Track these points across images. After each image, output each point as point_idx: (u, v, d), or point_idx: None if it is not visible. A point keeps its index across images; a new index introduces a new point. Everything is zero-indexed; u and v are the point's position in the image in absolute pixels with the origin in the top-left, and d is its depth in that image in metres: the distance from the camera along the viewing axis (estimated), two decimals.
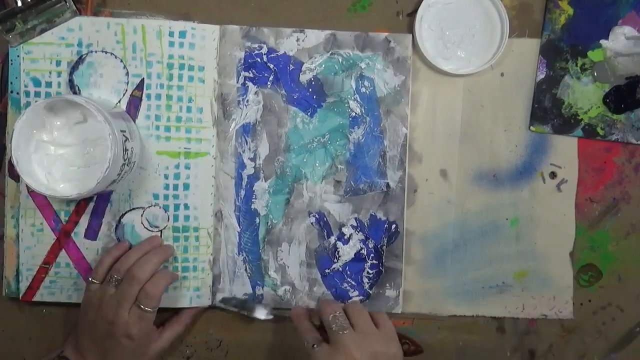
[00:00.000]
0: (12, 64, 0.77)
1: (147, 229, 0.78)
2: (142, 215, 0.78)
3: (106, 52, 0.77)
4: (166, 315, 0.78)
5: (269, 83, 0.80)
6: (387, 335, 0.72)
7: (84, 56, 0.77)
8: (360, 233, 0.81)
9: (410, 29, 0.80)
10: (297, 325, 0.75)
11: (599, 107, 0.81)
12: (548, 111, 0.81)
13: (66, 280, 0.78)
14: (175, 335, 0.78)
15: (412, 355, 0.77)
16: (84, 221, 0.78)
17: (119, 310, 0.70)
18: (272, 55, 0.80)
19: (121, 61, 0.77)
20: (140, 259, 0.73)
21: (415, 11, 0.79)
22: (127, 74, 0.77)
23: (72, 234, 0.78)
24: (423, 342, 0.82)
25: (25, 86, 0.76)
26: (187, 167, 0.78)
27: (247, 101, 0.80)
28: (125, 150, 0.71)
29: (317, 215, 0.81)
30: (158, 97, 0.77)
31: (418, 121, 0.81)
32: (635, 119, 0.81)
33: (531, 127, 0.81)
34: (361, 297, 0.81)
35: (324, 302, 0.75)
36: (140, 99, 0.77)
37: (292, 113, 0.80)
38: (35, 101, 0.76)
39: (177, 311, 0.79)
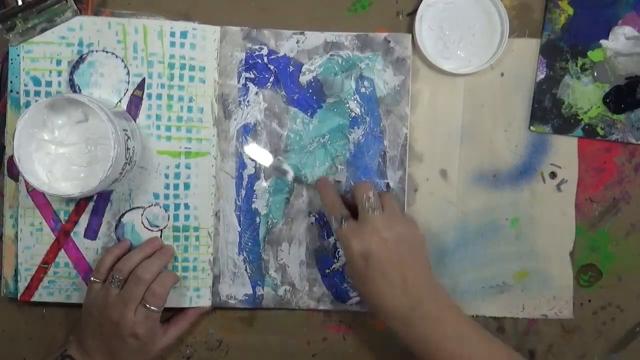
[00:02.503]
0: (12, 63, 0.77)
1: (147, 228, 0.78)
2: (142, 215, 0.78)
3: (107, 52, 0.77)
4: (166, 314, 0.78)
5: (269, 84, 0.80)
6: (411, 220, 0.75)
7: (84, 55, 0.77)
8: None
9: (410, 29, 0.80)
10: (324, 196, 0.75)
11: (599, 107, 0.81)
12: (548, 111, 0.81)
13: (65, 281, 0.78)
14: (180, 332, 0.78)
15: None
16: (83, 221, 0.78)
17: (125, 310, 0.70)
18: (273, 56, 0.80)
19: (122, 61, 0.77)
20: (144, 262, 0.73)
21: (415, 11, 0.79)
22: (128, 73, 0.77)
23: (72, 234, 0.78)
24: None
25: (25, 85, 0.76)
26: (187, 166, 0.78)
27: (248, 101, 0.80)
28: (127, 149, 0.70)
29: (317, 215, 0.81)
30: (159, 96, 0.77)
31: (418, 121, 0.81)
32: (635, 119, 0.81)
33: (531, 127, 0.81)
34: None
35: (359, 183, 0.74)
36: (141, 99, 0.77)
37: (292, 113, 0.80)
38: (35, 100, 0.76)
39: (177, 311, 0.79)
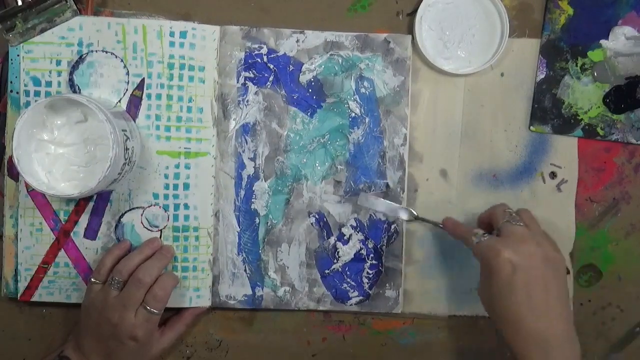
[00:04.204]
0: (12, 63, 0.77)
1: (146, 228, 0.78)
2: (141, 215, 0.78)
3: (107, 52, 0.77)
4: (164, 315, 0.78)
5: (268, 83, 0.80)
6: (555, 243, 0.72)
7: (84, 56, 0.76)
8: (360, 233, 0.81)
9: (410, 29, 0.80)
10: (455, 230, 0.76)
11: (599, 107, 0.81)
12: (548, 111, 0.81)
13: (65, 281, 0.78)
14: (177, 334, 0.78)
15: None
16: (83, 221, 0.78)
17: (125, 312, 0.70)
18: (272, 55, 0.80)
19: (122, 61, 0.77)
20: (144, 264, 0.73)
21: (415, 11, 0.79)
22: (128, 73, 0.77)
23: (72, 234, 0.78)
24: (423, 342, 0.82)
25: (25, 85, 0.76)
26: (187, 166, 0.78)
27: (247, 101, 0.80)
28: (126, 149, 0.70)
29: (316, 216, 0.80)
30: (158, 96, 0.77)
31: (418, 121, 0.81)
32: (635, 119, 0.81)
33: (531, 127, 0.81)
34: (361, 297, 0.81)
35: (495, 205, 0.74)
36: (141, 99, 0.77)
37: (292, 113, 0.80)
38: (35, 101, 0.76)
39: (177, 311, 0.79)
